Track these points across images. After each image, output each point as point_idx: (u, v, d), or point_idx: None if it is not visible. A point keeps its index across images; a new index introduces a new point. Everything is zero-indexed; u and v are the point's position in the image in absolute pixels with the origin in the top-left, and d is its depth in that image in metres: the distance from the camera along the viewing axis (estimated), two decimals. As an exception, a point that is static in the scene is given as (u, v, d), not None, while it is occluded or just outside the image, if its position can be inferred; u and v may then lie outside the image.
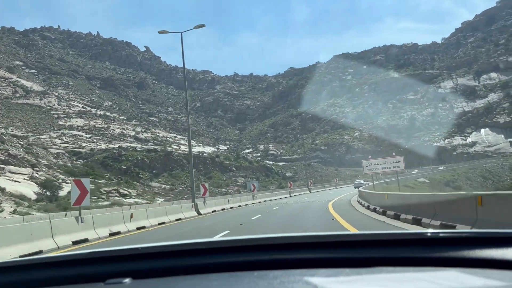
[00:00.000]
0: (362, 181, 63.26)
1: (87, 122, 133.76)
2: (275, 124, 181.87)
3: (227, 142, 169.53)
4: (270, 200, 48.75)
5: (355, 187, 54.85)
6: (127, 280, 1.41)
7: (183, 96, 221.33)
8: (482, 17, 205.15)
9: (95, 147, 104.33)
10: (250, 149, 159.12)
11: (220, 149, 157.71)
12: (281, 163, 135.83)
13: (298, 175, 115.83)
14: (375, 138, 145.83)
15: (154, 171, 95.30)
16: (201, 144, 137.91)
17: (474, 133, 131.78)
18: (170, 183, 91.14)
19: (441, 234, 1.54)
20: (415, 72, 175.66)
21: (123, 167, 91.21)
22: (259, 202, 44.58)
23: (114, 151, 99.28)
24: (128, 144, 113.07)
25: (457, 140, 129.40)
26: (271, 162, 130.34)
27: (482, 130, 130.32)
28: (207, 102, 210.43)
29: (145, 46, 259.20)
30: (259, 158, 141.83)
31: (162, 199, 67.55)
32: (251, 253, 1.60)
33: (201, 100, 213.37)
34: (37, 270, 1.59)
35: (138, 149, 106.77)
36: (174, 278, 1.39)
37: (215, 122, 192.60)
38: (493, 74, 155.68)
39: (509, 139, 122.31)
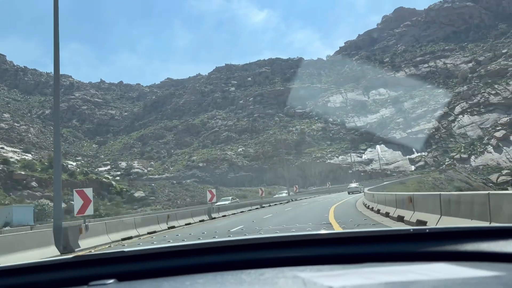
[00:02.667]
0: (356, 184, 58.98)
1: None
2: (144, 137, 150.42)
3: (79, 158, 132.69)
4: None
5: (349, 192, 52.58)
6: (111, 281, 1.41)
7: (29, 101, 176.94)
8: (365, 36, 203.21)
9: None
10: (108, 166, 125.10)
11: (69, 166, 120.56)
12: (137, 181, 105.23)
13: (156, 196, 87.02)
14: (261, 154, 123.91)
15: None
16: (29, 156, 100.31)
17: (369, 149, 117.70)
18: None
19: (427, 230, 1.56)
20: (303, 85, 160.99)
21: None
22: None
23: None
24: None
25: (352, 157, 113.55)
26: (110, 177, 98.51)
27: (378, 147, 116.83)
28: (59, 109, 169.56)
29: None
30: (118, 178, 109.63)
31: None
32: (237, 253, 1.60)
33: (52, 107, 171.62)
34: (22, 275, 1.58)
35: None
36: (159, 279, 1.38)
37: (67, 134, 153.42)
38: (382, 90, 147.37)
39: (407, 156, 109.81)
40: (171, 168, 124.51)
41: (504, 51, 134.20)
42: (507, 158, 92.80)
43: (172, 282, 1.32)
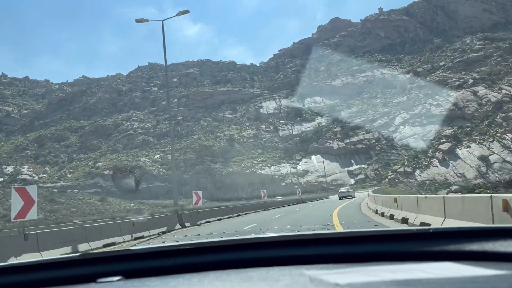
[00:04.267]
0: (348, 188, 54.70)
1: None
2: (43, 139, 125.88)
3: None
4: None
5: (340, 197, 47.32)
6: (118, 278, 1.43)
7: None
8: (300, 45, 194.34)
9: None
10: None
11: None
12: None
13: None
14: (182, 161, 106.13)
15: None
16: None
17: (304, 160, 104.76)
18: None
19: (431, 230, 1.56)
20: (234, 89, 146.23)
21: None
22: None
23: None
24: None
25: (286, 168, 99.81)
26: None
27: (314, 157, 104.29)
28: None
29: None
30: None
31: None
32: (244, 252, 1.62)
33: None
34: (30, 273, 1.60)
35: None
36: (166, 277, 1.40)
37: None
38: (318, 98, 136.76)
39: (346, 168, 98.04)
40: (69, 176, 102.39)
41: (442, 63, 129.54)
42: (454, 173, 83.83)
43: (180, 279, 1.33)
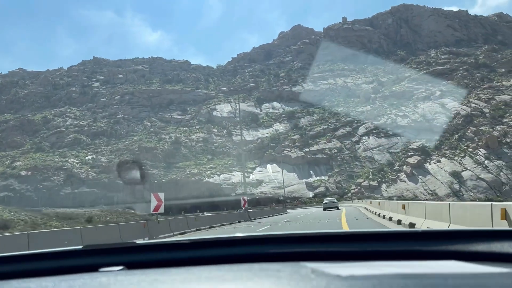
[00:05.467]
0: (332, 199, 48.26)
1: None
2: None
3: None
4: None
5: (324, 209, 42.74)
6: (120, 268, 1.47)
7: None
8: (260, 50, 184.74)
9: None
10: None
11: None
12: None
13: None
14: (117, 165, 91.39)
15: None
16: None
17: (259, 169, 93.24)
18: None
19: (438, 230, 1.58)
20: (186, 89, 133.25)
21: None
22: None
23: None
24: None
25: (237, 176, 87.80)
26: None
27: (269, 166, 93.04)
28: None
29: None
30: None
31: None
32: (244, 247, 1.64)
33: None
34: (35, 261, 1.66)
35: None
36: (168, 269, 1.43)
37: None
38: (276, 104, 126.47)
39: (304, 180, 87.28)
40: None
41: (407, 74, 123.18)
42: (424, 189, 75.03)
43: (183, 270, 1.36)
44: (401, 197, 73.78)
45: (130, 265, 1.51)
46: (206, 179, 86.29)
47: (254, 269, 1.29)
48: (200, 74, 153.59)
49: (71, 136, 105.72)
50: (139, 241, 1.74)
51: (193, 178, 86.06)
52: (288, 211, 53.81)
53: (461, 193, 71.39)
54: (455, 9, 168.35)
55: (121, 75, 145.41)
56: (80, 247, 1.70)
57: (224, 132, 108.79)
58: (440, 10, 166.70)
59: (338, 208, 41.98)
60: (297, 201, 78.93)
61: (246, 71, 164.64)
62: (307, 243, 1.60)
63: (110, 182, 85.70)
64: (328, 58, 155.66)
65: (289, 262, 1.41)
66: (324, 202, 45.77)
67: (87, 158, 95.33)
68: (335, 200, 46.69)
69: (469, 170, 75.73)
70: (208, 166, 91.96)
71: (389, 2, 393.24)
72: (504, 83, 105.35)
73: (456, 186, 72.96)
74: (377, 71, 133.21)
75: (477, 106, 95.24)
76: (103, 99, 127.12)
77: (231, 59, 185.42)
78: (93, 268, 1.50)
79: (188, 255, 1.60)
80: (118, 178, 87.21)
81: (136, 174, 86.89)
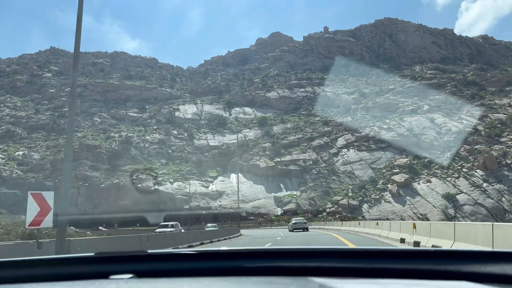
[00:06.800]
0: (302, 219, 42.18)
1: None
2: None
3: None
4: None
5: (293, 229, 38.28)
6: (130, 276, 1.48)
7: None
8: (235, 54, 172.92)
9: None
10: None
11: None
12: None
13: None
14: (49, 163, 76.73)
15: None
16: None
17: (221, 178, 79.86)
18: None
19: (444, 250, 1.56)
20: (147, 86, 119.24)
21: None
22: None
23: None
24: None
25: (194, 186, 74.20)
26: None
27: (233, 176, 79.83)
28: None
29: None
30: None
31: None
32: (253, 260, 1.64)
33: None
34: (49, 267, 1.68)
35: None
36: (177, 279, 1.43)
37: None
38: (248, 109, 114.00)
39: (272, 194, 74.29)
40: None
41: (391, 87, 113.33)
42: (413, 212, 63.35)
43: (192, 280, 1.35)
44: (386, 220, 61.56)
45: (139, 274, 1.50)
46: (156, 186, 72.15)
47: (262, 282, 1.27)
48: (167, 73, 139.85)
49: (3, 127, 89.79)
50: (150, 251, 1.72)
51: (139, 185, 71.76)
52: (244, 232, 40.61)
53: (456, 219, 59.92)
54: (439, 27, 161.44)
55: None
56: (92, 254, 1.69)
57: (185, 134, 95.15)
58: (425, 26, 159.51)
59: (307, 230, 38.41)
60: (260, 219, 65.73)
61: (219, 74, 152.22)
62: (315, 258, 1.56)
63: (37, 183, 70.45)
64: (306, 67, 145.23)
65: (297, 276, 1.38)
66: (293, 222, 40.50)
67: (16, 153, 79.68)
68: (305, 221, 41.76)
69: (465, 193, 64.67)
70: (161, 171, 77.92)
71: (372, 15, 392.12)
72: (496, 101, 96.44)
73: (451, 211, 61.57)
74: (358, 82, 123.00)
75: (469, 122, 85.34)
76: (51, 90, 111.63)
77: (203, 62, 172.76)
78: (103, 275, 1.49)
79: (197, 265, 1.57)
80: (48, 179, 72.08)
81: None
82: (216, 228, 37.78)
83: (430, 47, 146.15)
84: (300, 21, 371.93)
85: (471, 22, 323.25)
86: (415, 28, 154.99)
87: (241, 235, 35.32)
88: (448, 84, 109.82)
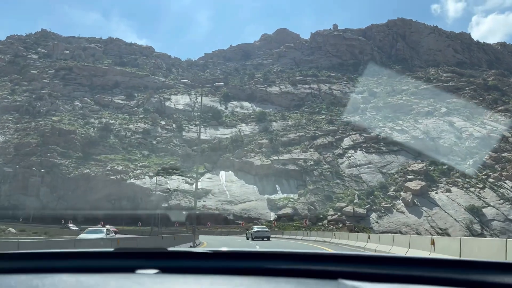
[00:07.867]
0: (263, 227, 41.29)
1: None
2: None
3: None
4: None
5: (253, 238, 36.61)
6: (156, 271, 1.53)
7: None
8: (237, 49, 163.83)
9: None
10: None
11: None
12: None
13: None
14: (16, 147, 67.21)
15: None
16: None
17: (209, 175, 70.11)
18: None
19: (455, 259, 1.57)
20: (138, 73, 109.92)
21: None
22: None
23: None
24: None
25: (176, 181, 64.62)
26: None
27: (223, 173, 70.12)
28: None
29: None
30: None
31: None
32: (273, 261, 1.65)
33: None
34: (75, 259, 1.73)
35: None
36: (200, 275, 1.47)
37: None
38: (246, 103, 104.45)
39: (266, 195, 64.46)
40: None
41: (404, 87, 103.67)
42: (431, 226, 53.47)
43: (218, 278, 1.40)
44: (398, 234, 51.58)
45: (164, 270, 1.55)
46: (132, 179, 62.46)
47: (283, 282, 1.29)
48: (163, 62, 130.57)
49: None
50: (174, 248, 1.74)
51: (113, 177, 62.09)
52: (201, 238, 30.51)
53: (483, 237, 49.96)
54: (456, 31, 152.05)
55: (67, 51, 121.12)
56: (112, 249, 1.76)
57: (174, 126, 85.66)
58: (441, 29, 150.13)
59: (269, 239, 37.02)
60: (243, 223, 55.48)
61: (219, 68, 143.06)
62: (343, 263, 1.57)
63: (-5, 168, 60.86)
64: (312, 65, 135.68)
65: (325, 279, 1.40)
66: (255, 229, 38.54)
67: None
68: (267, 230, 40.16)
69: (493, 206, 54.72)
70: (140, 163, 68.27)
71: (385, 16, 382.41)
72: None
73: (477, 227, 51.60)
74: (368, 82, 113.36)
75: (493, 128, 75.51)
76: (33, 72, 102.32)
77: (204, 55, 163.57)
78: (129, 269, 1.53)
79: (215, 264, 1.62)
80: (9, 164, 62.49)
81: (34, 162, 62.38)
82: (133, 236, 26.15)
83: (446, 50, 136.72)
84: (308, 22, 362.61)
85: (481, 36, 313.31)
86: (430, 30, 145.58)
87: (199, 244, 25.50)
88: (467, 88, 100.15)
